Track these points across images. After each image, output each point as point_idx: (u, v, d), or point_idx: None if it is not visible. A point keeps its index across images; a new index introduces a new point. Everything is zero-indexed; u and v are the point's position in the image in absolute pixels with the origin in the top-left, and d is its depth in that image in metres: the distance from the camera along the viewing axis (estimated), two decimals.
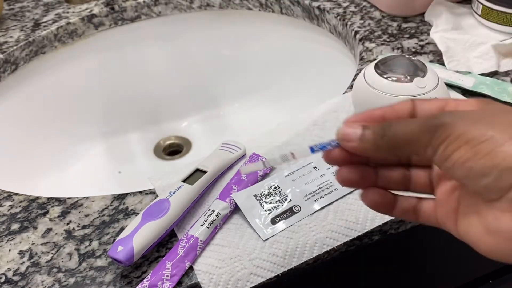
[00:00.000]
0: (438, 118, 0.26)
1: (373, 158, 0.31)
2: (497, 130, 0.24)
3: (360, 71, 0.53)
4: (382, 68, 0.48)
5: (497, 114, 0.26)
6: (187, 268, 0.39)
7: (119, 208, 0.45)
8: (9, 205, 0.46)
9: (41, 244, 0.42)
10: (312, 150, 0.31)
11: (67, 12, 0.75)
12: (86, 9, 0.75)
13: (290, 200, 0.43)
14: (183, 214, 0.42)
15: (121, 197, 0.46)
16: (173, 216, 0.41)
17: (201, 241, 0.40)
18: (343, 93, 0.56)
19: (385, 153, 0.29)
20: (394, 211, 0.31)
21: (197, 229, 0.40)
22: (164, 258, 0.39)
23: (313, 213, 0.42)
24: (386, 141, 0.28)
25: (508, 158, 0.23)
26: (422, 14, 0.67)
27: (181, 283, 0.38)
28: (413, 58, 0.49)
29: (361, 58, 0.61)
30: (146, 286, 0.37)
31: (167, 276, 0.38)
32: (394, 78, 0.46)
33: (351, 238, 0.41)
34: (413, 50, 0.61)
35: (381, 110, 0.30)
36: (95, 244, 0.42)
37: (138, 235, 0.39)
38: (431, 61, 0.59)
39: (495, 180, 0.23)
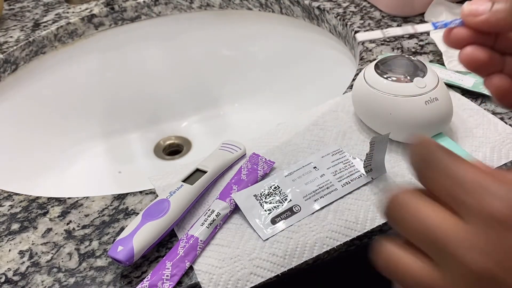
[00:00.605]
0: None
1: (501, 40, 0.28)
2: None
3: (360, 71, 0.53)
4: (382, 68, 0.48)
5: None
6: (187, 268, 0.39)
7: (119, 208, 0.45)
8: (9, 205, 0.46)
9: (41, 244, 0.42)
10: (435, 25, 0.29)
11: (67, 12, 0.75)
12: (86, 9, 0.75)
13: (290, 200, 0.43)
14: (183, 214, 0.42)
15: (121, 197, 0.46)
16: (173, 216, 0.41)
17: (201, 241, 0.40)
18: (343, 93, 0.56)
19: None
20: None
21: (197, 229, 0.40)
22: (164, 258, 0.39)
23: (313, 213, 0.42)
24: None
25: None
26: (422, 14, 0.67)
27: (181, 283, 0.38)
28: (413, 58, 0.49)
29: (361, 58, 0.61)
30: (146, 286, 0.37)
31: (167, 276, 0.38)
32: (394, 78, 0.46)
33: (351, 238, 0.41)
34: (413, 50, 0.61)
35: None
36: (95, 244, 0.42)
37: (138, 235, 0.39)
38: (431, 61, 0.59)
39: None
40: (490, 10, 0.26)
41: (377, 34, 0.30)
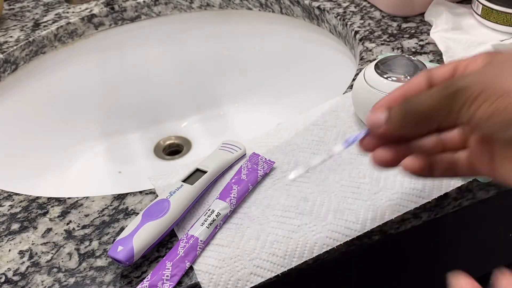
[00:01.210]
0: (453, 85, 0.27)
1: (405, 135, 0.32)
2: (509, 80, 0.26)
3: (360, 71, 0.53)
4: (382, 68, 0.48)
5: (506, 62, 0.28)
6: (187, 268, 0.39)
7: (119, 208, 0.45)
8: (9, 205, 0.46)
9: (41, 244, 0.42)
10: (347, 144, 0.33)
11: (67, 12, 0.75)
12: (86, 9, 0.75)
13: None
14: (183, 214, 0.42)
15: (121, 197, 0.46)
16: (173, 216, 0.41)
17: (201, 241, 0.40)
18: (343, 93, 0.56)
19: (413, 129, 0.31)
20: (435, 173, 0.33)
21: (197, 229, 0.40)
22: (164, 258, 0.39)
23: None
24: (410, 118, 0.30)
25: None
26: (422, 14, 0.67)
27: (181, 283, 0.38)
28: (413, 58, 0.49)
29: (361, 58, 0.61)
30: (146, 286, 0.37)
31: (167, 276, 0.38)
32: (394, 78, 0.46)
33: (351, 238, 0.41)
34: (413, 50, 0.61)
35: (400, 89, 0.32)
36: (95, 244, 0.42)
37: (138, 235, 0.39)
38: (431, 61, 0.59)
39: None
40: (385, 121, 0.31)
41: (302, 169, 0.33)
